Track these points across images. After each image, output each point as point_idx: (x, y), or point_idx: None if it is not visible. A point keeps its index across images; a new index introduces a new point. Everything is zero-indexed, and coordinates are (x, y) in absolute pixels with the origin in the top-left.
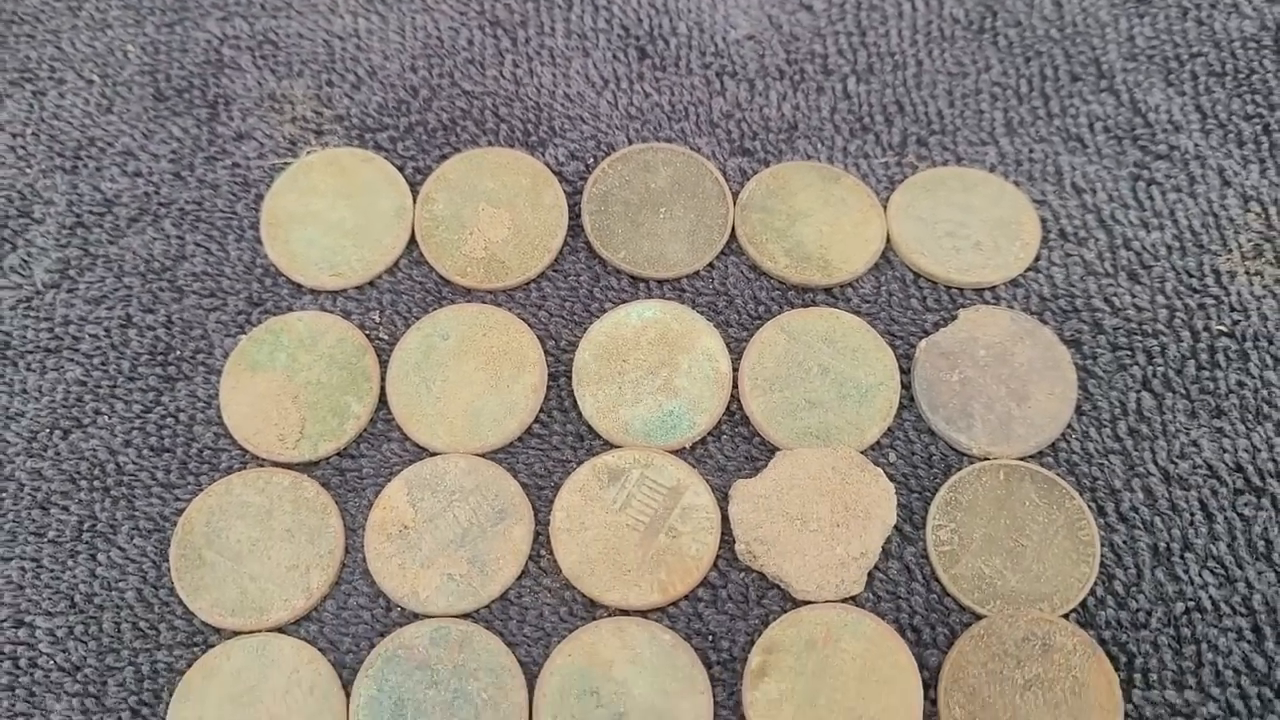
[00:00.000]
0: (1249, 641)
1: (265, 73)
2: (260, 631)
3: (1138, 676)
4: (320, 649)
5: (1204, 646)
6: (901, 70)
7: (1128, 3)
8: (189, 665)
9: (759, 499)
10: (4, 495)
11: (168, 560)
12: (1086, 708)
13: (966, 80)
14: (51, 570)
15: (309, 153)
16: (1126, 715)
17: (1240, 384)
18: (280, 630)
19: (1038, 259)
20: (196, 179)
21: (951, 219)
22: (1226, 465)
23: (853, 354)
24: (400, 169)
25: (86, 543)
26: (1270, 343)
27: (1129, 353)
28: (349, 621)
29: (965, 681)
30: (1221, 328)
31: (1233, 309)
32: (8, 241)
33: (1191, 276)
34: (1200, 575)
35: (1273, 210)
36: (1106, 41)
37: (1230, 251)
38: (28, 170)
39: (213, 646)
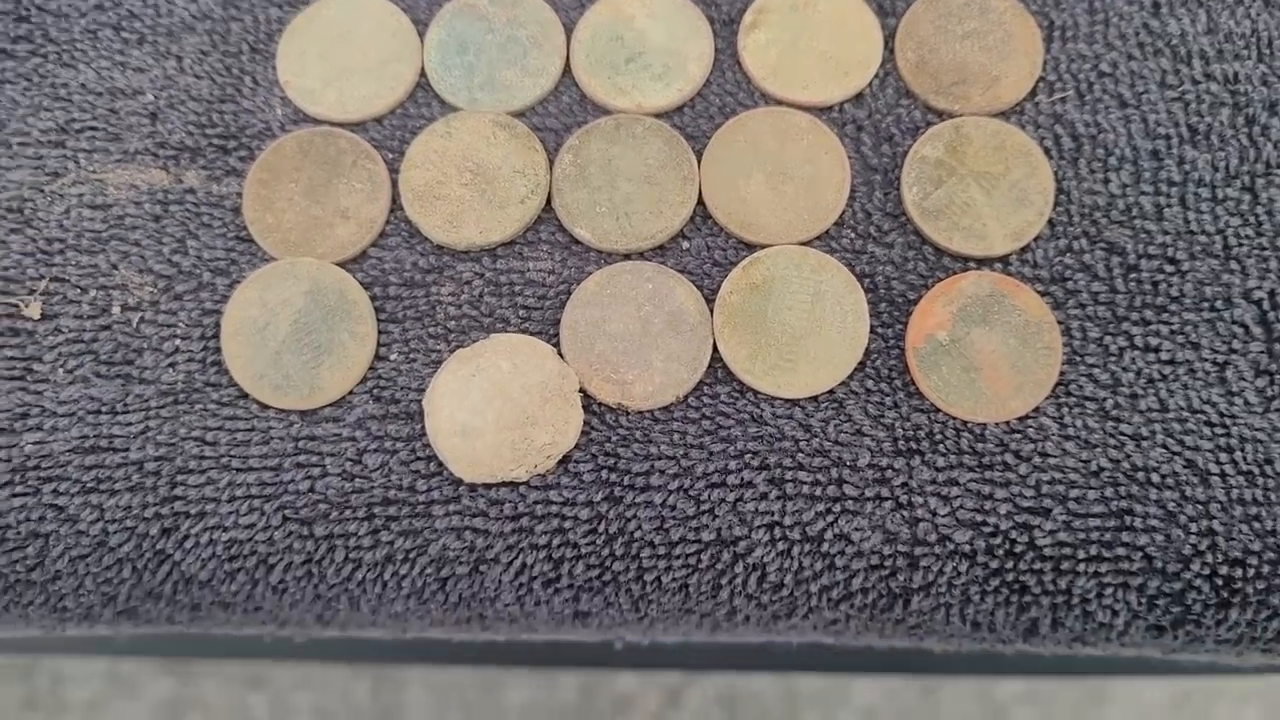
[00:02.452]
0: (1148, 10)
1: None
2: None
3: (1056, 33)
4: (400, 8)
5: (1111, 13)
6: None
7: None
8: (296, 15)
9: None
10: None
11: None
12: (1013, 52)
13: None
14: None
15: None
16: (1045, 63)
17: None
18: None
19: None
20: None
21: None
22: None
23: None
24: None
25: None
26: None
27: None
28: None
29: (916, 33)
30: None
31: None
32: None
33: None
34: None
35: None
36: None
37: None
38: None
39: (313, 2)
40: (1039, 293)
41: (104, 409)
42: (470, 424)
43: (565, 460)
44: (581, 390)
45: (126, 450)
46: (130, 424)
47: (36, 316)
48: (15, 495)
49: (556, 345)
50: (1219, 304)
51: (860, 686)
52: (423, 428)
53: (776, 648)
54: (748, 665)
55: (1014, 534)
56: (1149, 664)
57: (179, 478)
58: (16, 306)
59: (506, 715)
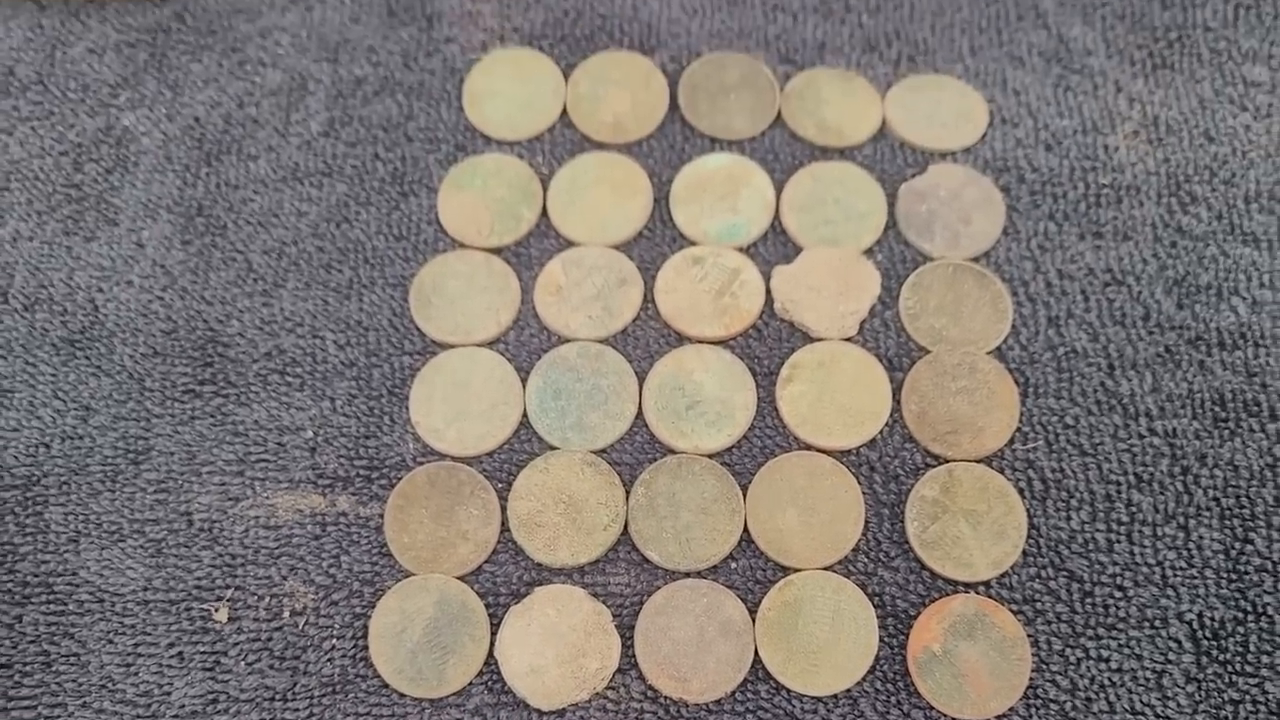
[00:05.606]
0: (1104, 370)
1: None
2: (469, 345)
3: (1031, 390)
4: (506, 358)
5: (1075, 374)
6: (899, 10)
7: None
8: (424, 365)
9: (791, 276)
10: (299, 260)
11: (408, 302)
12: (995, 407)
13: (944, 17)
14: (334, 306)
15: (495, 50)
16: (1021, 415)
17: (1115, 216)
18: (481, 345)
19: (985, 136)
20: (419, 67)
21: (928, 107)
22: (1100, 268)
23: (856, 191)
24: (557, 63)
25: (355, 292)
26: (1138, 192)
27: (1041, 196)
28: (525, 343)
29: (918, 388)
30: (1104, 182)
31: (1114, 170)
32: (292, 105)
33: (1087, 148)
34: (1077, 333)
35: (1148, 107)
36: None
37: (1116, 132)
38: (304, 59)
39: (438, 355)
40: (1014, 612)
41: (277, 696)
42: (536, 664)
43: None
44: (649, 685)
45: None
46: (298, 709)
47: (224, 620)
48: None
49: (631, 649)
50: (1157, 623)
51: None
52: (528, 712)
53: None
54: None
55: None
56: None
57: None
58: (208, 611)
59: None
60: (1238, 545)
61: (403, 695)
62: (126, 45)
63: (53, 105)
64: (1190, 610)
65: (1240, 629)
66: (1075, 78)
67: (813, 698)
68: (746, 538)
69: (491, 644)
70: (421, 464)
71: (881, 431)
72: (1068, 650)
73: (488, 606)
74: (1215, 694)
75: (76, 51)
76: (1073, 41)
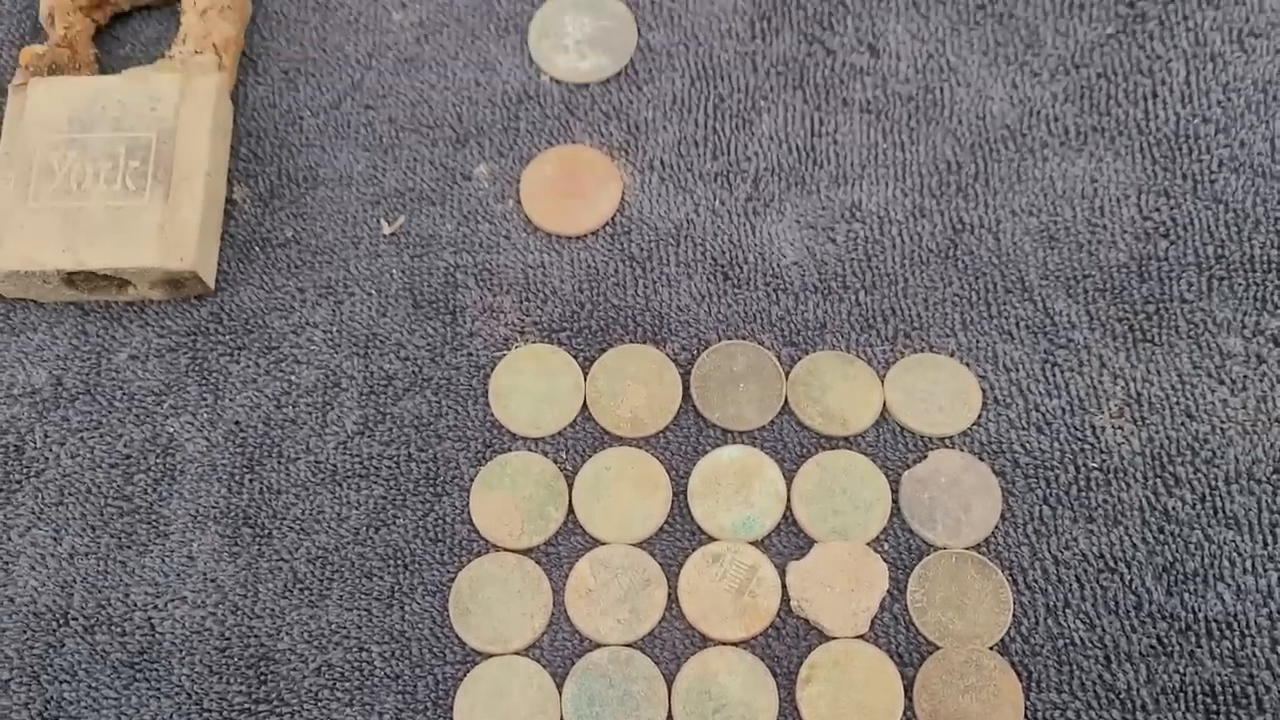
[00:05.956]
0: (1101, 662)
1: (485, 291)
2: (507, 654)
3: (1034, 684)
4: (542, 665)
5: (1074, 666)
6: (894, 286)
7: (1043, 239)
8: (465, 675)
9: (805, 572)
10: (342, 567)
11: (447, 610)
12: (1002, 704)
13: (937, 292)
14: (378, 616)
15: (516, 346)
16: (1025, 711)
17: (1105, 500)
18: (519, 653)
19: (980, 418)
20: (445, 363)
21: (925, 389)
22: (1093, 553)
23: (861, 480)
24: (575, 357)
25: (397, 600)
26: (1125, 474)
27: (1035, 480)
28: (559, 647)
29: (929, 687)
30: (1094, 464)
31: (1102, 452)
32: (328, 403)
33: (1076, 429)
34: (1074, 622)
35: (1131, 384)
36: (1029, 266)
37: (1103, 412)
38: (337, 355)
39: (478, 664)
40: None
41: None
42: None
43: None
44: None
45: None
46: None
47: None
48: None
49: None
50: None
51: None
52: None
53: None
54: None
55: None
56: None
57: None
58: None
59: None
60: None
61: None
62: (168, 350)
63: (100, 415)
64: None
65: None
66: (1062, 353)
67: None
68: None
69: None
70: None
71: None
72: None
73: None
74: None
75: (120, 359)
76: (1058, 315)
